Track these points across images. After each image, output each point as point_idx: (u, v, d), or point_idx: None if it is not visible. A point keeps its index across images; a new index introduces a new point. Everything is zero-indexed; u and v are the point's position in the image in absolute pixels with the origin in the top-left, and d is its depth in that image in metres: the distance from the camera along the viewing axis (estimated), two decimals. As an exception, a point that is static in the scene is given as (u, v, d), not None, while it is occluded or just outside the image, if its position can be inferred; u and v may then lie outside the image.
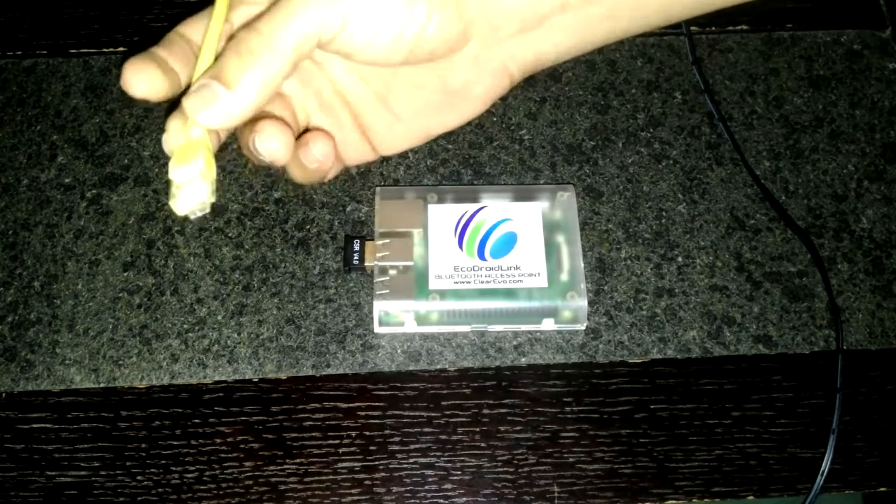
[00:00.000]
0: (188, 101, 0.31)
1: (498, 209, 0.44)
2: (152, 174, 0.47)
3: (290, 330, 0.43)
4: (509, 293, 0.42)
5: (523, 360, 0.43)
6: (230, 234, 0.45)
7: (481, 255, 0.43)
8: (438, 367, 0.43)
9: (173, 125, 0.33)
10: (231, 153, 0.47)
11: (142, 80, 0.32)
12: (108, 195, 0.46)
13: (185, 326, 0.43)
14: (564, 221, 0.44)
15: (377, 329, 0.43)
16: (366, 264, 0.43)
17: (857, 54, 0.51)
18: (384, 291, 0.42)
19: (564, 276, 0.42)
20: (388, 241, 0.43)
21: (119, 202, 0.46)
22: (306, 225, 0.46)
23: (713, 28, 0.51)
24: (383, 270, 0.42)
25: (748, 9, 0.52)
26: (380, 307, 0.42)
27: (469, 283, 0.42)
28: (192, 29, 0.35)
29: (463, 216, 0.44)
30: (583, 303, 0.42)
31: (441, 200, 0.44)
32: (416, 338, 0.43)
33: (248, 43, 0.31)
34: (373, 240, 0.43)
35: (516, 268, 0.42)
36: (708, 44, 0.51)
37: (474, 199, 0.44)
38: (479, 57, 0.35)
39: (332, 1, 0.31)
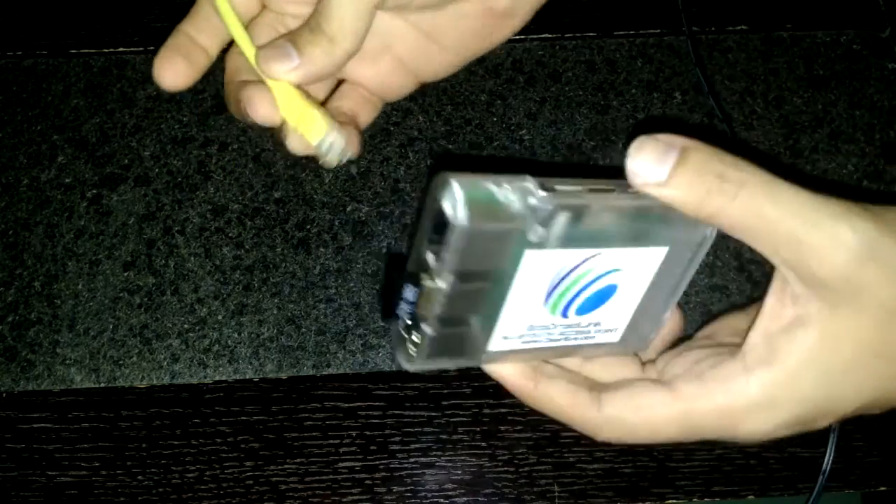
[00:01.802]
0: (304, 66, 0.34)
1: (611, 258, 0.30)
2: (152, 174, 0.47)
3: (291, 330, 0.43)
4: (574, 349, 0.33)
5: (524, 360, 0.43)
6: (230, 234, 0.45)
7: (564, 312, 0.31)
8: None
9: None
10: (231, 153, 0.47)
11: (168, 74, 0.36)
12: (108, 195, 0.46)
13: (186, 326, 0.43)
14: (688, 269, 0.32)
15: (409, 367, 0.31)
16: (421, 323, 0.29)
17: (857, 54, 0.51)
18: (428, 352, 0.29)
19: (639, 330, 0.33)
20: (457, 286, 0.28)
21: (119, 202, 0.46)
22: (306, 225, 0.46)
23: (713, 28, 0.51)
24: (441, 323, 0.29)
25: (748, 9, 0.52)
26: (416, 367, 0.30)
27: (537, 342, 0.31)
28: None
29: (563, 268, 0.30)
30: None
31: (549, 239, 0.28)
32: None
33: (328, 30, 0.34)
34: (433, 280, 0.28)
35: (596, 324, 0.32)
36: (708, 44, 0.51)
37: (592, 236, 0.29)
38: None
39: None
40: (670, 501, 0.41)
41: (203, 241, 0.45)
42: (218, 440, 0.41)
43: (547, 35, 0.51)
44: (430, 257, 0.28)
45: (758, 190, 0.27)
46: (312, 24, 0.34)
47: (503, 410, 0.42)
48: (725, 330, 0.35)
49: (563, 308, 0.31)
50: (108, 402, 0.42)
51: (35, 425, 0.42)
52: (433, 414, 0.42)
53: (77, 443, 0.41)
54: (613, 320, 0.32)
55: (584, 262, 0.30)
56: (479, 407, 0.42)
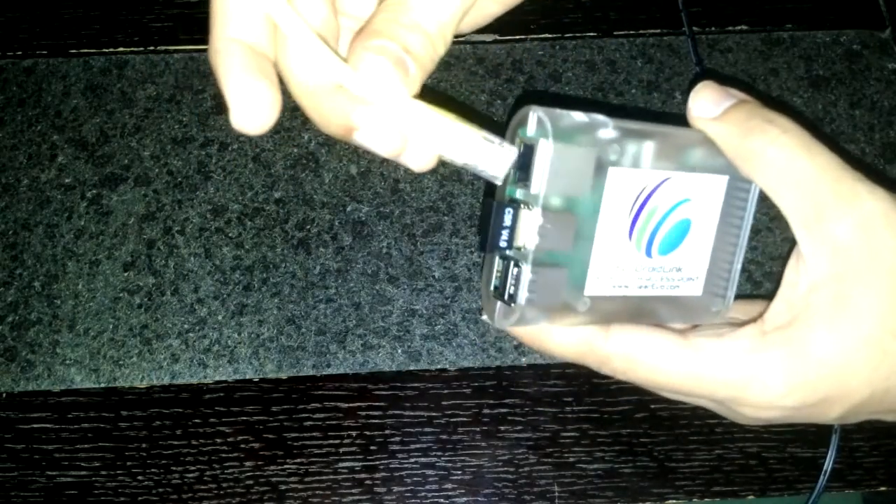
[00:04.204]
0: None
1: (681, 184, 0.31)
2: (152, 174, 0.47)
3: (291, 330, 0.43)
4: (662, 302, 0.32)
5: (523, 360, 0.43)
6: (230, 234, 0.45)
7: (648, 251, 0.31)
8: (439, 366, 0.43)
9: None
10: (231, 153, 0.47)
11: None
12: (108, 195, 0.46)
13: (186, 326, 0.43)
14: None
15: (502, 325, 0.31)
16: (519, 244, 0.29)
17: (857, 54, 0.51)
18: (529, 296, 0.29)
19: (718, 281, 0.33)
20: (549, 215, 0.28)
21: (119, 202, 0.46)
22: (306, 225, 0.46)
23: (713, 28, 0.51)
24: (539, 259, 0.29)
25: (748, 9, 0.52)
26: (516, 321, 0.30)
27: (627, 287, 0.31)
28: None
29: (643, 190, 0.30)
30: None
31: (623, 156, 0.29)
32: (416, 338, 0.43)
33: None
34: (528, 207, 0.28)
35: (678, 270, 0.32)
36: (708, 44, 0.51)
37: (659, 158, 0.30)
38: None
39: None
40: (670, 501, 0.41)
41: (203, 241, 0.45)
42: (218, 440, 0.41)
43: (547, 35, 0.51)
44: (520, 192, 0.29)
45: (796, 139, 0.29)
46: (405, 20, 0.26)
47: (503, 410, 0.42)
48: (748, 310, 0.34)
49: (647, 243, 0.31)
50: (108, 402, 0.42)
51: (35, 425, 0.42)
52: (433, 414, 0.42)
53: (77, 443, 0.41)
54: (693, 265, 0.32)
55: (659, 185, 0.30)
56: (479, 407, 0.42)
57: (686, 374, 0.30)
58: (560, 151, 0.28)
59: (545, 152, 0.28)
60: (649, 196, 0.30)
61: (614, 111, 0.30)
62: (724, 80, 0.31)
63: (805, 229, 0.29)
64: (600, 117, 0.29)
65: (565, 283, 0.29)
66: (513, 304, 0.29)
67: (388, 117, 0.26)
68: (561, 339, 0.31)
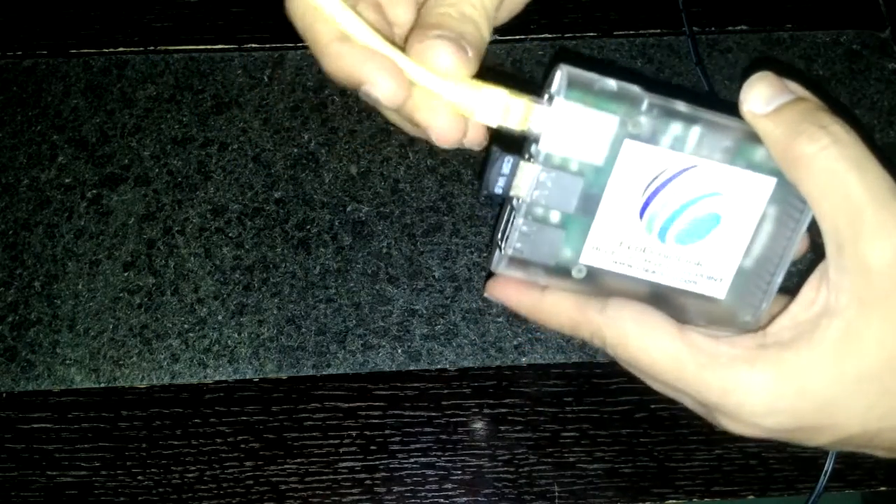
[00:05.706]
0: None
1: (711, 176, 0.29)
2: (152, 174, 0.47)
3: (291, 330, 0.43)
4: (677, 294, 0.31)
5: (523, 360, 0.43)
6: (230, 234, 0.45)
7: (661, 236, 0.30)
8: (439, 366, 0.43)
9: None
10: (231, 153, 0.47)
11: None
12: (108, 195, 0.46)
13: (186, 326, 0.43)
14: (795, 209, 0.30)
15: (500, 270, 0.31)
16: (515, 194, 0.29)
17: (857, 54, 0.51)
18: (518, 246, 0.30)
19: (751, 290, 0.31)
20: (552, 172, 0.29)
21: (119, 202, 0.46)
22: (306, 225, 0.46)
23: (713, 28, 0.51)
24: (532, 212, 0.29)
25: (748, 9, 0.52)
26: (505, 268, 0.30)
27: (630, 266, 0.30)
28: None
29: (663, 172, 0.29)
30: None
31: (649, 132, 0.29)
32: (416, 337, 0.43)
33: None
34: (531, 160, 0.29)
35: (697, 264, 0.31)
36: (708, 44, 0.51)
37: (696, 144, 0.29)
38: None
39: None
40: (670, 501, 0.41)
41: (203, 241, 0.45)
42: (218, 440, 0.41)
43: (547, 35, 0.51)
44: (533, 146, 0.29)
45: (849, 151, 0.27)
46: (456, 13, 0.29)
47: (503, 410, 0.42)
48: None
49: (661, 228, 0.30)
50: (108, 402, 0.42)
51: (35, 425, 0.42)
52: (433, 414, 0.42)
53: (77, 443, 0.41)
54: (717, 265, 0.31)
55: (683, 171, 0.29)
56: (479, 407, 0.42)
57: (671, 365, 0.29)
58: (574, 112, 0.28)
59: (556, 110, 0.28)
60: (670, 179, 0.29)
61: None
62: (782, 71, 0.30)
63: (837, 248, 0.27)
64: (634, 88, 0.29)
65: (560, 243, 0.30)
66: (501, 252, 0.30)
67: (454, 114, 0.28)
68: (557, 304, 0.31)
